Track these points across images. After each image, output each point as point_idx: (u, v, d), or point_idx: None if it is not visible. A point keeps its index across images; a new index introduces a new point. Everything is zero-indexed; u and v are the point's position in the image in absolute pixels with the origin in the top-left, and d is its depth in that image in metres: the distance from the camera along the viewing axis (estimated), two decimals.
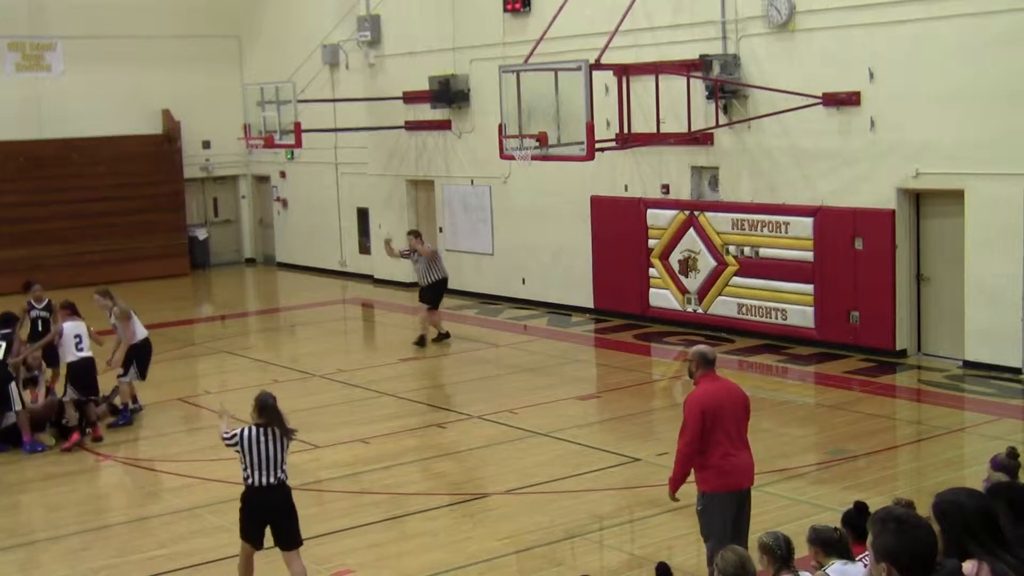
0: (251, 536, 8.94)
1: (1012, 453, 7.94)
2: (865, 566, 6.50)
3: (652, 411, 14.97)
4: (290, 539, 8.92)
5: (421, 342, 18.82)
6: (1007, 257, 14.83)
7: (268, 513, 8.85)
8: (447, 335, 19.09)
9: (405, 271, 24.71)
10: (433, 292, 19.09)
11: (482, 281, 22.79)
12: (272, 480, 8.79)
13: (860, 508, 7.39)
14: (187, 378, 17.77)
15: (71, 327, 13.96)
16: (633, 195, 19.44)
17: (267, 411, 9.06)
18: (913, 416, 14.37)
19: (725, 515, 8.44)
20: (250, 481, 8.82)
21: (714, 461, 8.36)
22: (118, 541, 10.73)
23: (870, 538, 4.20)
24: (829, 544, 6.68)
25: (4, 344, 13.62)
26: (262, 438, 8.87)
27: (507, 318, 20.93)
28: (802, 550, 7.02)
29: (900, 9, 15.64)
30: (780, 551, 6.58)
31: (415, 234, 19.32)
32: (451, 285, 23.44)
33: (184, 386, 17.00)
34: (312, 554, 10.06)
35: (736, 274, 17.93)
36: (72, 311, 14.23)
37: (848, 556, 6.69)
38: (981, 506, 4.63)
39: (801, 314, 17.15)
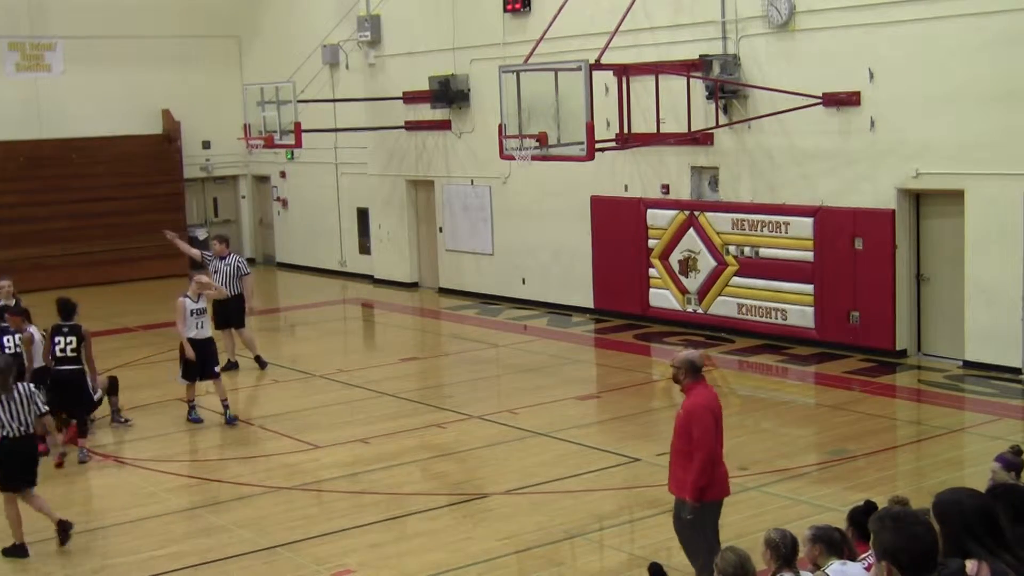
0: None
1: (1016, 451, 7.93)
2: (865, 567, 6.51)
3: (652, 411, 14.97)
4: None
5: (233, 366, 17.20)
6: (1007, 257, 14.83)
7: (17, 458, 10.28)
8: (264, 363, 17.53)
9: (405, 271, 24.75)
10: (239, 309, 17.29)
11: (482, 281, 22.79)
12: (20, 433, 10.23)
13: (869, 507, 7.38)
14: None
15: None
16: (633, 195, 19.44)
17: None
18: (913, 416, 14.37)
19: (715, 524, 8.43)
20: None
21: (715, 469, 8.35)
22: (118, 541, 10.73)
23: (872, 538, 4.20)
24: (832, 544, 6.67)
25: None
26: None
27: (507, 318, 20.92)
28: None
29: (900, 9, 15.64)
30: (785, 548, 6.57)
31: (223, 240, 17.73)
32: (451, 285, 23.61)
33: (184, 386, 16.96)
34: (312, 554, 10.08)
35: (736, 274, 17.93)
36: (26, 318, 13.75)
37: (851, 556, 6.69)
38: (981, 506, 4.63)
39: (801, 314, 17.15)
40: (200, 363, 14.52)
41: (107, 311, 22.36)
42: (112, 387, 14.58)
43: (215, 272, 16.93)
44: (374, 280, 25.51)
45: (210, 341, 14.79)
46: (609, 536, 10.37)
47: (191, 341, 14.43)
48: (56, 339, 13.28)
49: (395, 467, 12.55)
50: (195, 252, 18.31)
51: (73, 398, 13.32)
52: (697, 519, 8.33)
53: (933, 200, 16.01)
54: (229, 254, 17.46)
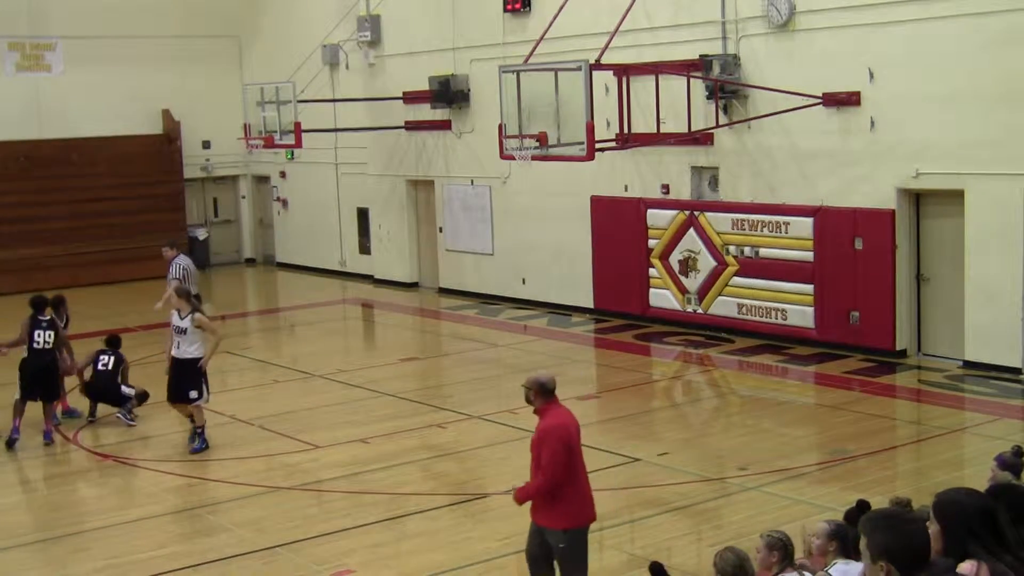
0: None
1: (1017, 452, 7.93)
2: None
3: (652, 411, 14.98)
4: None
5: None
6: (1007, 257, 14.83)
7: None
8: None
9: (405, 271, 24.75)
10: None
11: (482, 281, 22.79)
12: None
13: (863, 506, 7.39)
14: None
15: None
16: (633, 195, 19.44)
17: None
18: (913, 416, 14.37)
19: (585, 549, 8.09)
20: None
21: (575, 495, 7.97)
22: (118, 541, 10.72)
23: (863, 540, 4.18)
24: (846, 539, 6.64)
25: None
26: None
27: (507, 318, 20.92)
28: (801, 550, 7.03)
29: (900, 9, 15.64)
30: (791, 547, 6.59)
31: (172, 245, 17.45)
32: (451, 285, 23.60)
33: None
34: (312, 554, 10.08)
35: (736, 274, 17.93)
36: None
37: (858, 554, 6.69)
38: (981, 506, 4.63)
39: (801, 314, 17.14)
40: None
41: (107, 311, 22.35)
42: (141, 398, 14.88)
43: (171, 279, 16.71)
44: (374, 280, 25.51)
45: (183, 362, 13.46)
46: (609, 536, 10.35)
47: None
48: (36, 332, 13.93)
49: (395, 467, 12.54)
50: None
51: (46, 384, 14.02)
52: (571, 546, 7.99)
53: (933, 200, 16.01)
54: (175, 256, 17.38)
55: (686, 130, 17.55)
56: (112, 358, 14.79)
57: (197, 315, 13.30)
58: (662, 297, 19.10)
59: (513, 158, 16.50)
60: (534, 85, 16.04)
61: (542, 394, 7.98)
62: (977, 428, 13.17)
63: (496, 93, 16.86)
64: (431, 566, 9.68)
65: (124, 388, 14.70)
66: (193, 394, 13.32)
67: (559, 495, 7.91)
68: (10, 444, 13.62)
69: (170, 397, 13.58)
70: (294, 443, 13.55)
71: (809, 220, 16.89)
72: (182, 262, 17.38)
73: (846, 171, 16.49)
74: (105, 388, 14.67)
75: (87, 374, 14.77)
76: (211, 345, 13.45)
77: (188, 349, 13.26)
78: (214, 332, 13.60)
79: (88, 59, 26.82)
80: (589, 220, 20.16)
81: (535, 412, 8.06)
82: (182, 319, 13.29)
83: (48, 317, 14.13)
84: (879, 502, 7.72)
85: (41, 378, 13.86)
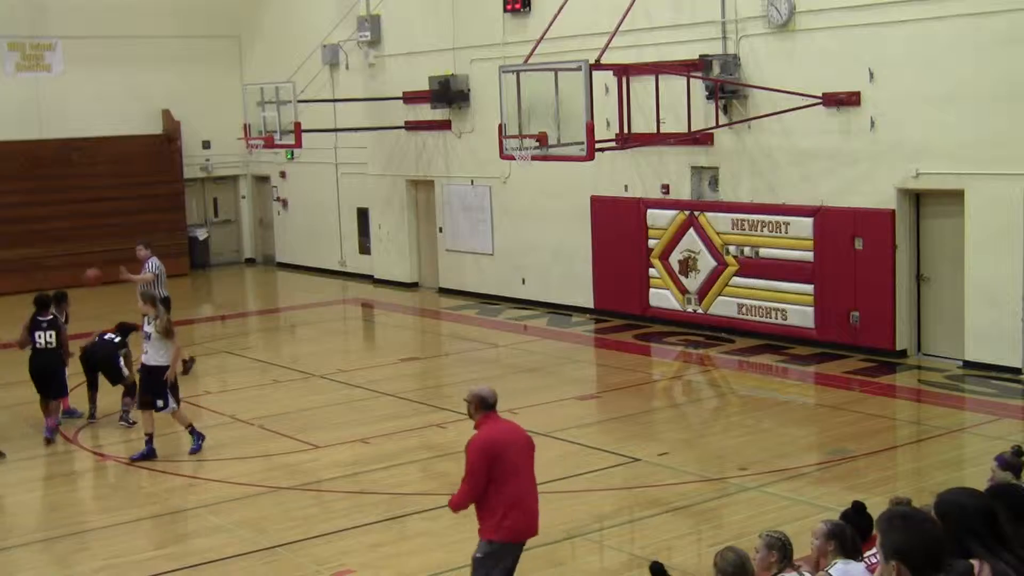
0: None
1: (1017, 451, 7.92)
2: (867, 566, 6.51)
3: (652, 411, 14.98)
4: None
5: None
6: (1007, 257, 14.83)
7: None
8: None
9: (405, 271, 24.75)
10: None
11: (482, 281, 22.79)
12: None
13: (858, 508, 7.39)
14: (187, 378, 17.71)
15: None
16: (633, 195, 19.43)
17: None
18: (913, 416, 14.37)
19: (502, 567, 7.90)
20: None
21: (501, 509, 7.77)
22: (117, 541, 10.72)
23: (879, 539, 4.19)
24: (845, 542, 6.64)
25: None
26: None
27: (507, 318, 20.92)
28: (801, 551, 7.02)
29: (900, 9, 15.64)
30: (790, 548, 6.59)
31: (145, 246, 17.15)
32: (451, 285, 23.61)
33: (184, 386, 16.86)
34: (312, 554, 10.08)
35: (736, 274, 17.93)
36: None
37: (860, 554, 6.69)
38: (982, 506, 4.63)
39: (801, 314, 17.14)
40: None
41: (107, 311, 22.31)
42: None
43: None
44: (374, 280, 25.51)
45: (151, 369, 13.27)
46: (609, 536, 10.36)
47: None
48: (36, 333, 14.00)
49: (395, 467, 12.55)
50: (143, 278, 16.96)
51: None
52: (485, 558, 7.86)
53: (933, 200, 16.01)
54: (148, 257, 17.16)
55: (686, 130, 17.55)
56: (119, 337, 14.73)
57: (160, 321, 13.09)
58: (662, 297, 19.10)
59: (513, 158, 16.51)
60: (534, 85, 16.05)
61: (481, 407, 7.94)
62: (977, 428, 13.17)
63: (496, 93, 16.87)
64: (431, 566, 9.69)
65: (124, 369, 14.60)
66: (159, 403, 13.08)
67: (485, 506, 7.83)
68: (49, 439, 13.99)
69: (139, 404, 13.44)
70: (294, 443, 13.55)
71: (809, 220, 16.89)
72: (155, 263, 17.11)
73: (846, 171, 16.49)
74: (105, 358, 14.53)
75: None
76: (172, 353, 13.12)
77: (155, 356, 13.03)
78: (172, 340, 13.17)
79: (88, 59, 26.83)
80: (589, 220, 20.16)
81: (475, 426, 7.99)
82: (148, 325, 13.11)
83: (50, 316, 14.14)
84: (879, 502, 7.72)
85: (45, 377, 13.93)
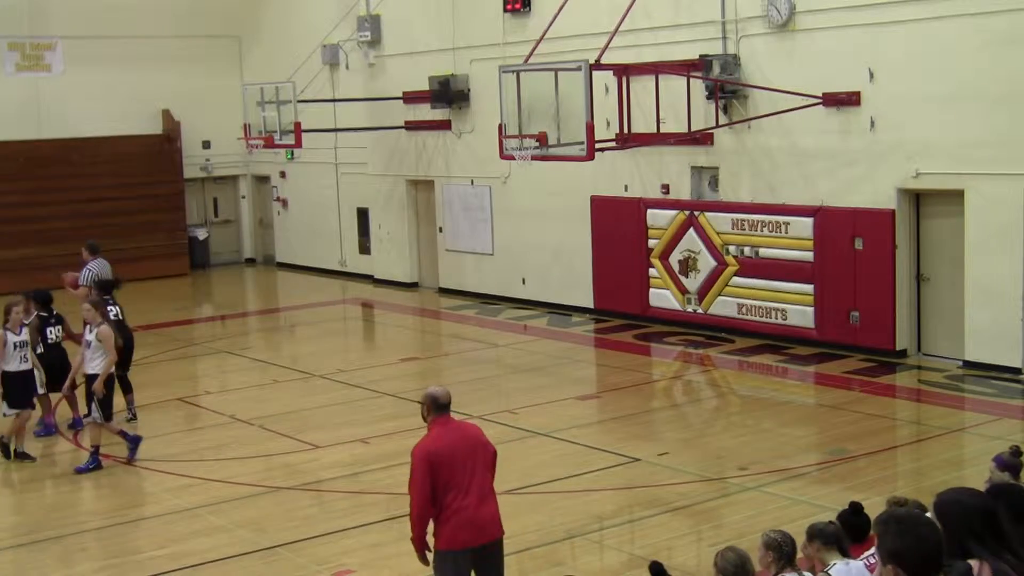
0: None
1: (1016, 452, 7.91)
2: (867, 565, 6.51)
3: (652, 411, 14.98)
4: None
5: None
6: (1007, 257, 14.82)
7: None
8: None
9: (405, 271, 24.75)
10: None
11: (482, 281, 22.79)
12: None
13: (856, 508, 7.39)
14: (187, 378, 17.78)
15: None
16: (633, 195, 19.43)
17: None
18: (913, 416, 14.37)
19: (459, 574, 7.66)
20: None
21: (447, 515, 7.51)
22: (118, 541, 10.73)
23: (876, 541, 4.19)
24: (827, 536, 6.66)
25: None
26: None
27: (507, 318, 20.92)
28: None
29: (900, 9, 15.64)
30: (787, 548, 6.58)
31: (91, 249, 16.44)
32: (451, 285, 23.60)
33: (184, 386, 17.01)
34: (312, 554, 10.08)
35: (736, 274, 17.93)
36: None
37: (847, 552, 6.69)
38: (982, 506, 4.63)
39: (801, 314, 17.14)
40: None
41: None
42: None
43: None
44: (374, 280, 25.51)
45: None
46: (609, 536, 10.36)
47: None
48: (47, 329, 14.08)
49: (395, 467, 12.49)
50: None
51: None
52: (437, 568, 7.65)
53: (933, 200, 16.01)
54: (92, 260, 16.39)
55: (686, 130, 17.55)
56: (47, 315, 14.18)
57: (101, 328, 12.77)
58: (662, 297, 19.10)
59: (513, 158, 16.50)
60: (534, 85, 16.05)
61: (434, 408, 7.68)
62: (977, 428, 13.17)
63: (496, 93, 16.86)
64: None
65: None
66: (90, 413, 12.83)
67: (438, 514, 7.59)
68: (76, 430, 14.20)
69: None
70: (294, 443, 13.55)
71: (809, 220, 16.89)
72: (94, 268, 16.19)
73: (846, 171, 16.49)
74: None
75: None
76: (106, 363, 12.72)
77: (91, 364, 12.80)
78: (109, 350, 12.74)
79: (88, 59, 26.82)
80: (589, 220, 20.16)
81: (428, 428, 7.76)
82: (91, 332, 12.81)
83: (55, 312, 14.28)
84: (878, 502, 7.72)
85: (62, 369, 13.98)
